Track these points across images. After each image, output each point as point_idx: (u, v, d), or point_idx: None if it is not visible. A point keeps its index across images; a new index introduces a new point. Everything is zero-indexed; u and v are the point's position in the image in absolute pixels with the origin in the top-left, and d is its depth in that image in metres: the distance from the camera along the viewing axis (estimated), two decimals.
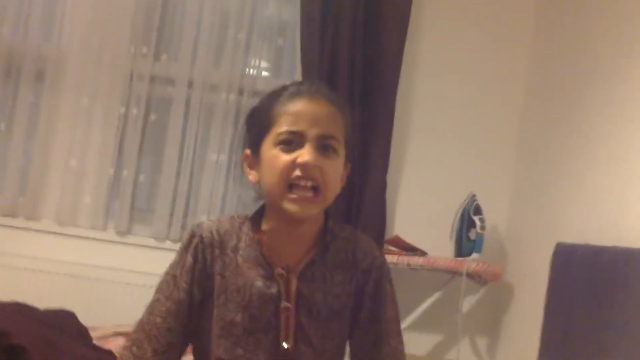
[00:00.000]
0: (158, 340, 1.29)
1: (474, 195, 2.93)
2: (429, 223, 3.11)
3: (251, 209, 1.39)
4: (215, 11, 3.19)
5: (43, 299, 2.48)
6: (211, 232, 1.33)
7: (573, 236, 2.38)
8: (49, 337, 1.74)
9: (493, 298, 3.10)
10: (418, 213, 3.15)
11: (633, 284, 1.85)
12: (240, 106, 3.19)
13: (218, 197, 3.16)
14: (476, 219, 2.87)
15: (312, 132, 1.26)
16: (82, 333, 2.06)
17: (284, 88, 1.34)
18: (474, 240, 2.87)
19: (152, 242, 3.13)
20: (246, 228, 1.35)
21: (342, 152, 1.31)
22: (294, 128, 1.26)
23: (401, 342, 1.38)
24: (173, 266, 1.35)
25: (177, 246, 3.19)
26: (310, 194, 1.25)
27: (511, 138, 3.20)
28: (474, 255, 2.84)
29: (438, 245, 2.95)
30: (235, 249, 1.32)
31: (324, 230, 1.36)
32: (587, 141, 2.49)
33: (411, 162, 3.20)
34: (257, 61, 3.28)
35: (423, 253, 2.90)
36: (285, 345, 1.29)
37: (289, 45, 3.27)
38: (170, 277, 1.32)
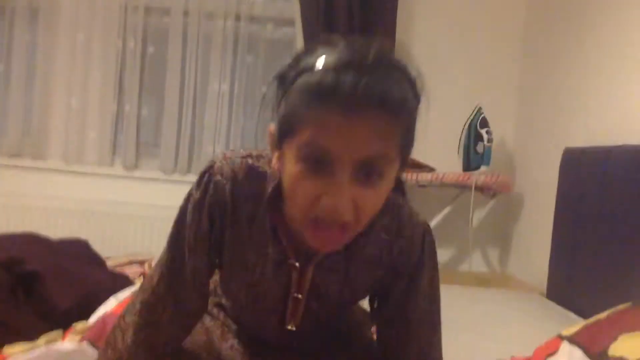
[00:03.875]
0: (183, 303, 1.09)
1: (480, 109, 2.90)
2: (435, 139, 3.04)
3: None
4: None
5: (55, 236, 2.50)
6: (227, 188, 1.03)
7: (581, 141, 2.36)
8: (62, 264, 1.76)
9: (503, 209, 3.11)
10: (424, 129, 3.09)
11: None
12: (238, 33, 3.15)
13: (223, 127, 3.15)
14: (483, 132, 2.85)
15: (348, 156, 0.86)
16: (96, 260, 2.08)
17: (318, 73, 0.86)
18: (482, 154, 2.85)
19: (159, 174, 3.14)
20: (263, 201, 1.04)
21: (393, 168, 0.93)
22: (322, 145, 0.86)
23: (434, 335, 1.15)
24: (189, 224, 1.06)
25: (185, 178, 3.20)
26: (337, 231, 0.92)
27: (515, 49, 3.15)
28: (483, 169, 2.83)
29: (446, 161, 2.94)
30: (250, 220, 1.05)
31: None
32: (588, 45, 2.45)
33: None
34: None
35: (431, 169, 2.89)
36: (290, 327, 1.14)
37: None
38: (184, 240, 1.07)
